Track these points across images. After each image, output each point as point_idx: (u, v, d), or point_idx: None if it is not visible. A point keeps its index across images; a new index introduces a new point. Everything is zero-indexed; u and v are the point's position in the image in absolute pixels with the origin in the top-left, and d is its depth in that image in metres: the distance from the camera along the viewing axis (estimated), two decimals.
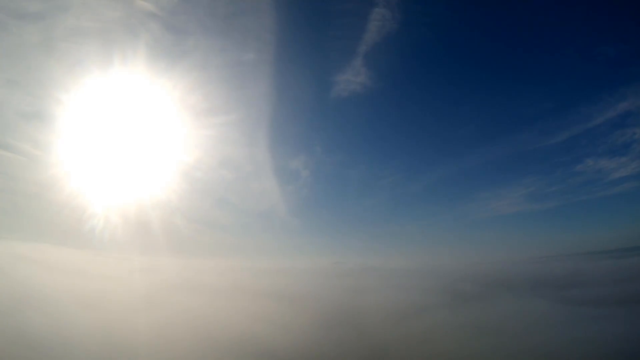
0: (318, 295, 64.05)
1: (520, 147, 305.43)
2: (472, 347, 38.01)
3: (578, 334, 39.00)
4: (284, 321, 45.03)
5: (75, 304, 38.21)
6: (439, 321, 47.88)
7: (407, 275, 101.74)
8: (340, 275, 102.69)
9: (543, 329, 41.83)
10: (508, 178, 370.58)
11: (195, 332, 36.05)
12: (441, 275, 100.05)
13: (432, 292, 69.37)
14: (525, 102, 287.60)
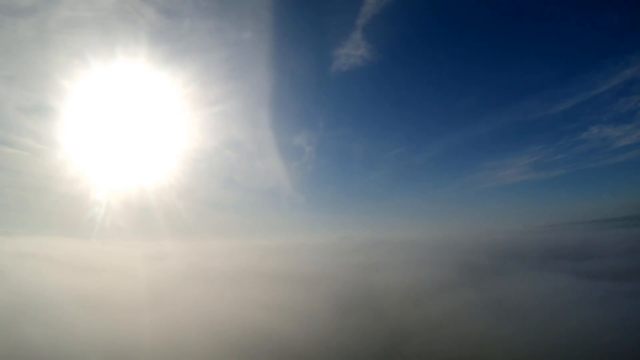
0: (329, 275, 62.87)
1: (525, 115, 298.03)
2: (498, 328, 36.43)
3: (609, 313, 37.16)
4: (296, 306, 43.57)
5: (82, 299, 36.29)
6: (459, 300, 46.46)
7: (416, 248, 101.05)
8: (349, 251, 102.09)
9: (570, 308, 40.10)
10: (513, 147, 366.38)
11: (205, 324, 34.32)
12: (451, 247, 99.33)
13: (444, 266, 68.15)
14: (529, 70, 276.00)
